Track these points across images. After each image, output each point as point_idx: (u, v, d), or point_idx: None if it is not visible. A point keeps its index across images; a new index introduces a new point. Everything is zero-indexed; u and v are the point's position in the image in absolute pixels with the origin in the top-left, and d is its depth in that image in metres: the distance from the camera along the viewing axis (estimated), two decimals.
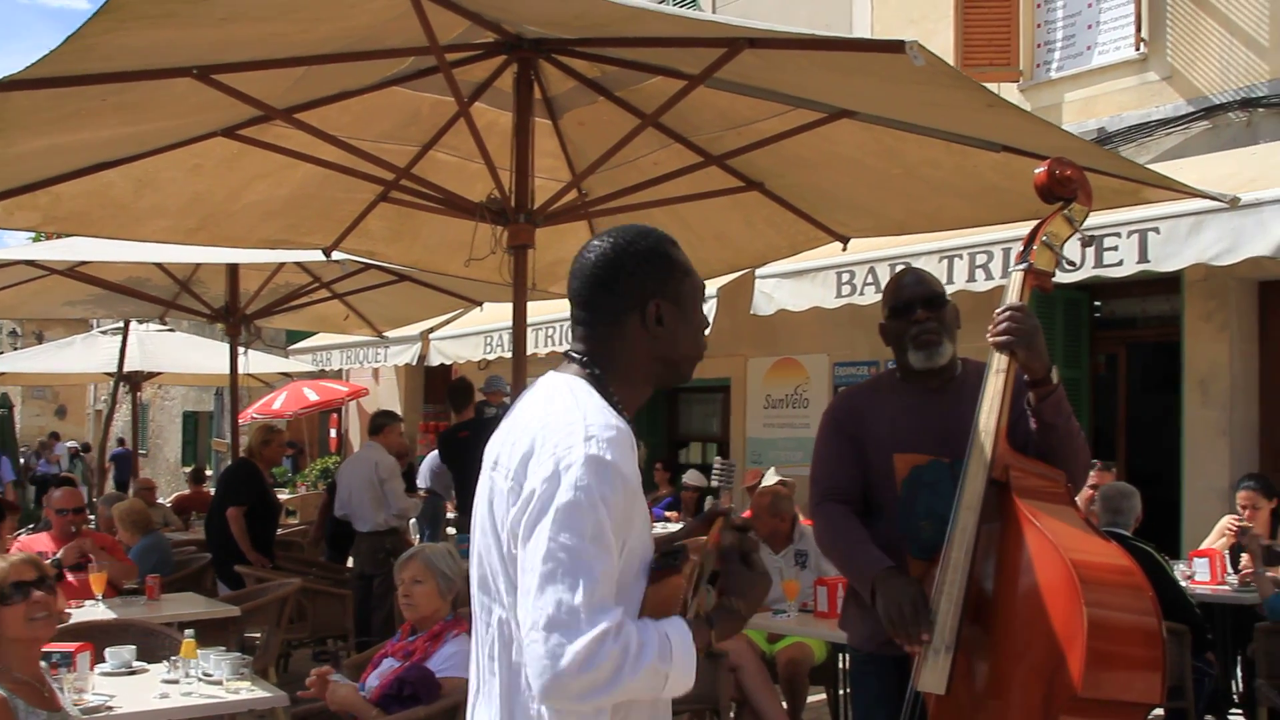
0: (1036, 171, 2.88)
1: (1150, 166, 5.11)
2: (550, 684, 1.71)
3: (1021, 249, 2.90)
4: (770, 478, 8.30)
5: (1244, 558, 6.24)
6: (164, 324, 12.55)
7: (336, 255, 6.48)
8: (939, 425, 2.96)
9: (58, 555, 5.92)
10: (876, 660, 2.95)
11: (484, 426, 8.61)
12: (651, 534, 1.95)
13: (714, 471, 2.13)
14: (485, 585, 1.93)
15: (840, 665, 5.81)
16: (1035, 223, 2.93)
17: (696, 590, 1.91)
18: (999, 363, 2.79)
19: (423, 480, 10.05)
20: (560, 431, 1.80)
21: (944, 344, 3.06)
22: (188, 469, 17.42)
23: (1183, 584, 6.10)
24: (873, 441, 3.07)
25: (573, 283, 2.03)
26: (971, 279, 6.68)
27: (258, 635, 6.39)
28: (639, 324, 1.98)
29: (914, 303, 3.08)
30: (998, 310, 2.81)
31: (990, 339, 2.79)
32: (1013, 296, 2.84)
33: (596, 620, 1.70)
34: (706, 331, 2.10)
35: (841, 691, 5.86)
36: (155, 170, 5.11)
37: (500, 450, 1.90)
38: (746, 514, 6.85)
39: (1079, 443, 2.89)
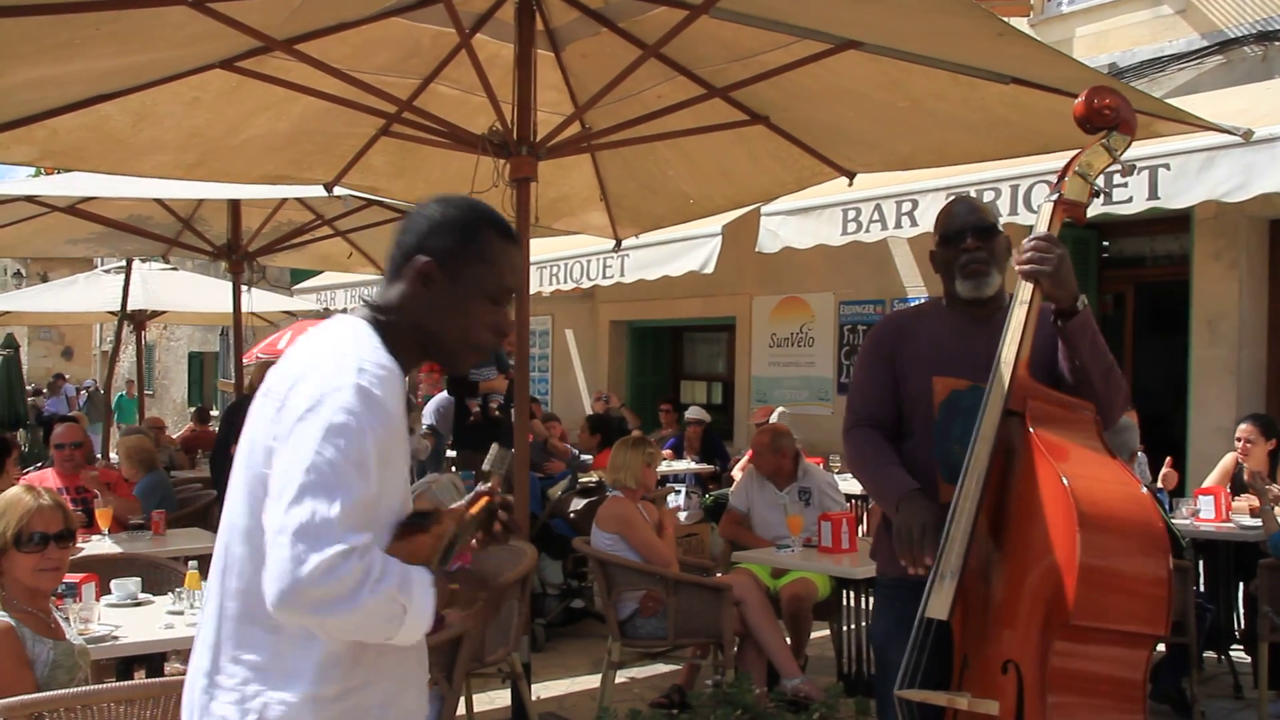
0: (1076, 103, 2.83)
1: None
2: (288, 589, 1.68)
3: (1056, 180, 2.87)
4: (776, 416, 8.30)
5: (1243, 499, 6.25)
6: (167, 262, 12.49)
7: (338, 191, 6.43)
8: (983, 352, 2.92)
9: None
10: (901, 585, 2.96)
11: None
12: (408, 490, 1.96)
13: (490, 457, 2.13)
14: (234, 516, 1.90)
15: (844, 601, 5.83)
16: (1072, 153, 2.89)
17: (446, 558, 1.95)
18: (1024, 293, 2.79)
19: (427, 418, 10.04)
20: (333, 362, 1.82)
21: (992, 274, 3.05)
22: (194, 409, 17.45)
23: (1189, 521, 6.11)
24: (912, 362, 3.07)
25: None
26: None
27: None
28: (410, 278, 1.96)
29: (965, 231, 3.07)
30: (1025, 239, 2.79)
31: (1016, 267, 2.78)
32: (1041, 227, 2.82)
33: (345, 537, 1.69)
34: (504, 339, 2.06)
35: (846, 627, 5.89)
36: (153, 103, 5.05)
37: (272, 380, 1.88)
38: (749, 454, 6.86)
39: (1114, 375, 2.89)
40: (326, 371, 1.80)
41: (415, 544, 1.87)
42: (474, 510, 2.04)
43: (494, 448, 2.14)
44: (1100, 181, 2.87)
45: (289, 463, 1.74)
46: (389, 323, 1.95)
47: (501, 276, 2.00)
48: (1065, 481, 2.51)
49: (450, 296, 1.96)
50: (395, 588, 1.75)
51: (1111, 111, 2.79)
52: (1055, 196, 2.84)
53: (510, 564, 1.92)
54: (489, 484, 2.07)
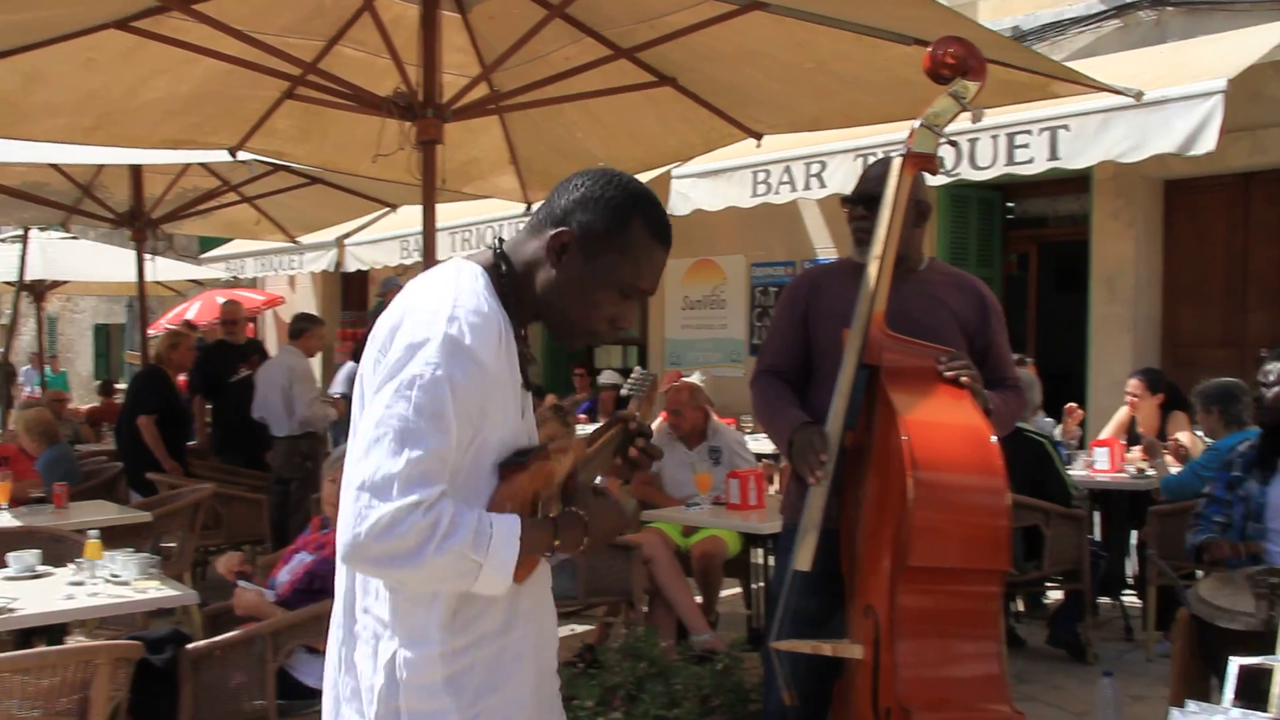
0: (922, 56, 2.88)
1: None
2: (350, 544, 1.69)
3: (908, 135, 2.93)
4: (694, 379, 8.37)
5: (1137, 450, 6.47)
6: (67, 231, 12.14)
7: (243, 155, 6.31)
8: (892, 310, 2.99)
9: None
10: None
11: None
12: (521, 433, 1.88)
13: (630, 379, 2.08)
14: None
15: (753, 559, 5.93)
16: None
17: (569, 495, 1.88)
18: (876, 248, 2.87)
19: (339, 386, 9.95)
20: (428, 308, 1.77)
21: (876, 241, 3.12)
22: (98, 383, 17.04)
23: (1085, 472, 6.31)
24: (824, 315, 3.20)
25: None
26: None
27: (174, 545, 6.33)
28: (546, 245, 1.88)
29: (856, 199, 3.16)
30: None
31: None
32: (891, 183, 2.88)
33: (410, 491, 1.66)
34: (621, 326, 1.94)
35: (755, 585, 5.99)
36: (45, 64, 4.90)
37: (378, 328, 1.85)
38: (663, 415, 6.91)
39: (1012, 418, 3.16)
40: (419, 321, 1.75)
41: (514, 484, 1.80)
42: (601, 442, 1.93)
43: (636, 370, 2.05)
44: (947, 129, 2.92)
45: (366, 419, 1.74)
46: (511, 275, 1.89)
47: (638, 274, 1.89)
48: (903, 430, 2.61)
49: (579, 277, 1.87)
50: (468, 544, 1.70)
51: (957, 60, 2.83)
52: (903, 151, 2.89)
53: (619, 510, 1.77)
54: (626, 410, 1.97)
